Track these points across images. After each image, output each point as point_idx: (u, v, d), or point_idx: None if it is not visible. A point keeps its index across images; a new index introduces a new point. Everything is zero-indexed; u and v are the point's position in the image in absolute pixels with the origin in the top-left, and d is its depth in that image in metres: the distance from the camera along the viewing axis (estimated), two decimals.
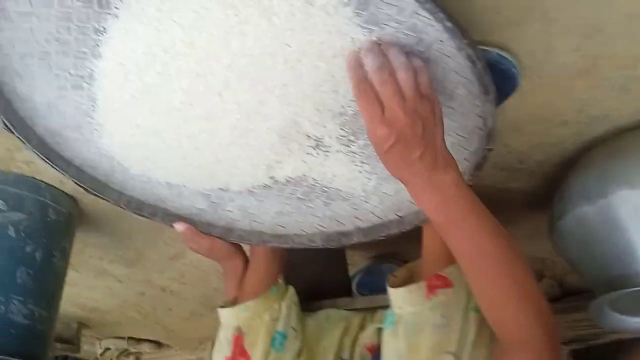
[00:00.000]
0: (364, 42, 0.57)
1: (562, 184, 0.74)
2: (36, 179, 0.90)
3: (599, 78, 0.63)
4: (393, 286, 0.72)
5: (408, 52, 0.55)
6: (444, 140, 0.56)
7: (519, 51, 0.60)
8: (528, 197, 0.88)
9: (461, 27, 0.49)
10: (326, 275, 1.05)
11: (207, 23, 0.57)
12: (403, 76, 0.52)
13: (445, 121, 0.63)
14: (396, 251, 1.12)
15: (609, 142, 0.71)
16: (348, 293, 1.08)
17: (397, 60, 0.54)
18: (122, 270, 1.23)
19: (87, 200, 0.96)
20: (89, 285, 1.13)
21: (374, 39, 0.57)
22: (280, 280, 0.87)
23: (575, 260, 0.73)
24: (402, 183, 0.57)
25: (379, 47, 0.55)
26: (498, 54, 0.59)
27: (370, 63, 0.54)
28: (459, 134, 0.64)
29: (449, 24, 0.48)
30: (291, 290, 0.87)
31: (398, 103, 0.52)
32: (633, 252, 0.65)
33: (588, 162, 0.72)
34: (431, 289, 0.69)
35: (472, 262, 0.55)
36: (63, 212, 0.91)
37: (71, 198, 0.94)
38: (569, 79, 0.64)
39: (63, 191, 0.92)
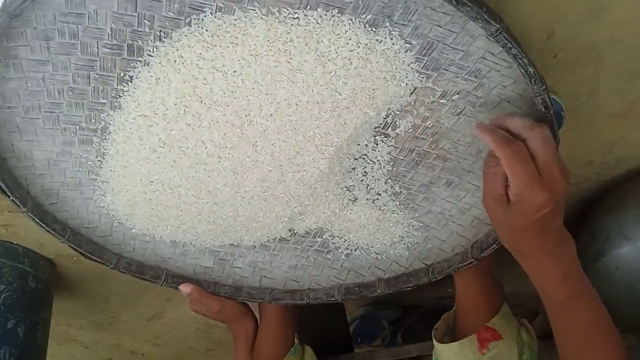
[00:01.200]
0: (420, 88, 0.55)
1: (593, 224, 0.75)
2: (13, 243, 0.79)
3: (634, 120, 0.64)
4: (439, 341, 0.69)
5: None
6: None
7: (563, 93, 0.60)
8: None
9: (540, 73, 0.47)
10: (327, 328, 1.00)
11: (254, 71, 0.53)
12: (548, 132, 0.48)
13: None
14: (393, 296, 1.08)
15: (636, 181, 0.73)
16: (349, 345, 1.03)
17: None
18: (91, 336, 1.11)
19: (67, 263, 0.86)
20: (49, 355, 1.00)
21: (430, 85, 0.55)
22: (296, 341, 0.81)
23: (613, 302, 0.73)
24: (522, 256, 0.53)
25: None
26: (551, 97, 0.59)
27: (521, 120, 0.49)
28: None
29: (531, 70, 0.47)
30: (309, 351, 0.81)
31: (558, 163, 0.47)
32: None
33: (620, 201, 0.73)
34: (483, 342, 0.66)
35: (589, 339, 0.51)
36: (42, 278, 0.80)
37: (49, 262, 0.84)
38: (603, 121, 0.65)
39: (42, 255, 0.82)
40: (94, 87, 0.55)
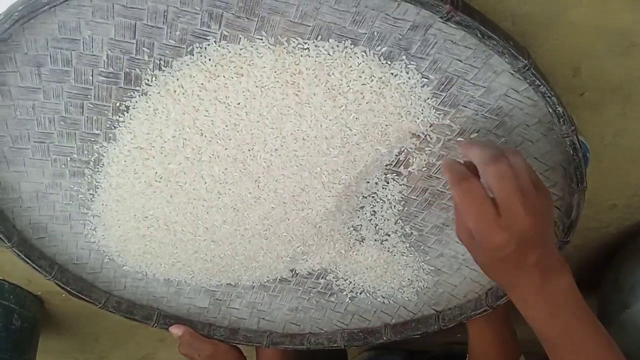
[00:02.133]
0: (436, 125, 0.51)
1: (618, 273, 0.71)
2: None
3: None
4: None
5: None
6: (554, 242, 0.48)
7: (588, 134, 0.57)
8: None
9: (569, 113, 0.44)
10: None
11: (259, 103, 0.49)
12: (520, 163, 0.43)
13: None
14: (399, 341, 1.03)
15: None
16: None
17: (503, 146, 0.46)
18: None
19: (56, 300, 0.81)
20: None
21: (447, 122, 0.51)
22: None
23: (638, 358, 0.68)
24: (506, 290, 0.49)
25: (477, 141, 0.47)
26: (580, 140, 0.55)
27: (479, 153, 0.44)
28: None
29: (560, 109, 0.43)
30: None
31: (519, 200, 0.42)
32: None
33: None
34: None
35: None
36: (28, 316, 0.75)
37: (37, 299, 0.79)
38: (629, 163, 0.62)
39: (29, 291, 0.77)
40: (87, 116, 0.51)
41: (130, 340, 0.95)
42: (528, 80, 0.43)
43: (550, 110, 0.44)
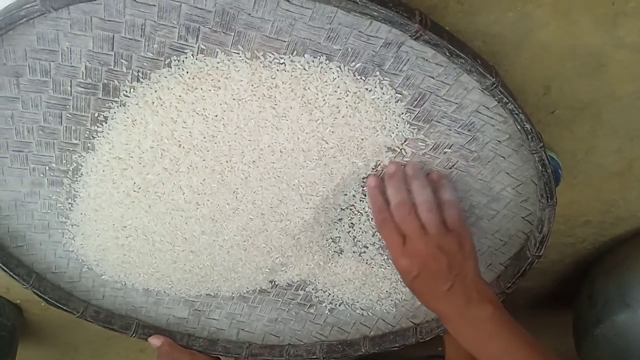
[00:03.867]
0: (411, 140, 0.52)
1: (592, 288, 0.71)
2: None
3: (633, 179, 0.62)
4: None
5: (441, 176, 0.54)
6: (478, 273, 0.52)
7: (560, 150, 0.58)
8: (532, 296, 0.85)
9: (537, 129, 0.45)
10: None
11: (237, 115, 0.50)
12: (426, 215, 0.51)
13: (484, 223, 0.59)
14: (378, 354, 1.03)
15: (635, 243, 0.70)
16: None
17: (421, 197, 0.52)
18: None
19: (35, 309, 0.81)
20: None
21: (421, 136, 0.52)
22: None
23: None
24: (440, 318, 0.54)
25: (399, 176, 0.53)
26: (548, 154, 0.56)
27: (391, 196, 0.53)
28: (498, 237, 0.60)
29: (527, 126, 0.44)
30: None
31: (420, 237, 0.50)
32: None
33: (619, 264, 0.69)
34: None
35: None
36: (7, 325, 0.75)
37: (16, 307, 0.79)
38: (601, 180, 0.63)
39: (7, 300, 0.77)
40: (66, 126, 0.51)
41: (110, 350, 0.95)
42: (496, 98, 0.44)
43: (519, 127, 0.45)
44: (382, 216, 0.53)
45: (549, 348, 0.51)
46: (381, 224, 0.53)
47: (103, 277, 0.67)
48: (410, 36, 0.40)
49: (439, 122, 0.51)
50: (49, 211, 0.59)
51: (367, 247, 0.64)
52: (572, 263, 0.77)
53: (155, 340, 0.71)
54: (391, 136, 0.52)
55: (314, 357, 0.74)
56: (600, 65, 0.51)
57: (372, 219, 0.60)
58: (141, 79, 0.48)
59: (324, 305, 0.71)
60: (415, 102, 0.49)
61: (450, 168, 0.55)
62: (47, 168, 0.55)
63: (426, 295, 0.52)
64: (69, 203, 0.59)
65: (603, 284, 0.70)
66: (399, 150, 0.53)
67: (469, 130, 0.51)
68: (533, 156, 0.47)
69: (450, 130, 0.51)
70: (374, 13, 0.39)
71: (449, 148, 0.53)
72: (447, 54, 0.41)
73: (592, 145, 0.58)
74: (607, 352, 0.68)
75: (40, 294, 0.65)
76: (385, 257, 0.64)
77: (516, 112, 0.44)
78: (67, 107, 0.50)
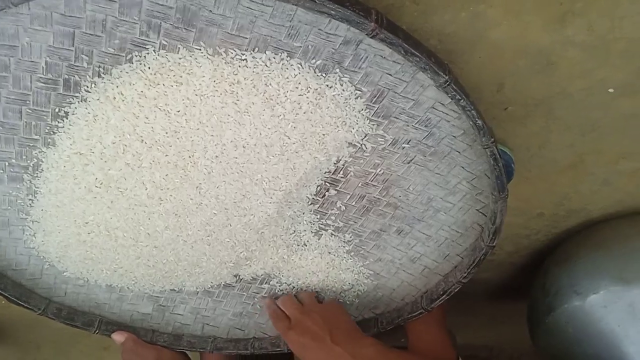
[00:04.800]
0: (370, 135, 0.54)
1: (545, 278, 0.74)
2: None
3: (584, 173, 0.65)
4: None
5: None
6: (354, 324, 0.66)
7: (514, 145, 0.60)
8: (489, 287, 0.88)
9: (489, 125, 0.47)
10: None
11: (199, 111, 0.50)
12: (301, 295, 0.69)
13: (442, 216, 0.61)
14: None
15: (586, 234, 0.73)
16: None
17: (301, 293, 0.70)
18: None
19: None
20: None
21: (380, 132, 0.54)
22: None
23: (562, 358, 0.72)
24: None
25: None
26: (500, 149, 0.58)
27: (280, 301, 0.69)
28: (455, 229, 0.62)
29: (479, 122, 0.46)
30: None
31: (296, 309, 0.66)
32: (627, 349, 0.65)
33: (570, 255, 0.72)
34: None
35: None
36: None
37: None
38: (554, 174, 0.65)
39: None
40: (26, 122, 0.51)
41: (73, 348, 0.94)
42: (450, 95, 0.46)
43: (472, 123, 0.47)
44: (271, 310, 0.69)
45: None
46: (271, 315, 0.68)
47: (65, 274, 0.66)
48: (367, 34, 0.42)
49: (397, 118, 0.52)
50: (9, 208, 0.58)
51: (330, 241, 0.65)
52: (528, 255, 0.79)
53: (118, 337, 0.71)
54: (352, 132, 0.53)
55: (279, 349, 0.75)
56: (551, 63, 0.53)
57: (336, 213, 0.62)
58: (102, 75, 0.48)
59: None
60: (374, 99, 0.51)
61: (409, 163, 0.56)
62: (7, 164, 0.54)
63: (318, 352, 0.61)
64: (30, 199, 0.58)
65: (555, 274, 0.73)
66: (359, 145, 0.55)
67: (425, 126, 0.52)
68: (485, 151, 0.49)
69: (408, 126, 0.53)
70: (332, 12, 0.40)
71: (407, 143, 0.54)
72: (403, 52, 0.42)
73: (545, 140, 0.61)
74: (559, 339, 0.71)
75: (0, 291, 0.64)
76: (347, 249, 0.66)
77: (469, 108, 0.46)
78: (27, 102, 0.49)
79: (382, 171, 0.57)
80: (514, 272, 0.84)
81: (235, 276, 0.69)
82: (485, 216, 0.58)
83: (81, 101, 0.50)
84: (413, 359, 0.64)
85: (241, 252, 0.65)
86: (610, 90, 0.55)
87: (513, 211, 0.71)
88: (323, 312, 0.64)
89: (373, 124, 0.53)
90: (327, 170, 0.57)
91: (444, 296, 0.65)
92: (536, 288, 0.76)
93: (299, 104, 0.51)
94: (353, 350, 0.59)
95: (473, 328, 0.97)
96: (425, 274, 0.68)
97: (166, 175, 0.55)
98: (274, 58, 0.48)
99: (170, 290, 0.70)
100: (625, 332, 0.65)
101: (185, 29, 0.45)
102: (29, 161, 0.54)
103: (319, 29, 0.45)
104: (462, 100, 0.45)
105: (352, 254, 0.67)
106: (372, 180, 0.59)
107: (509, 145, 0.61)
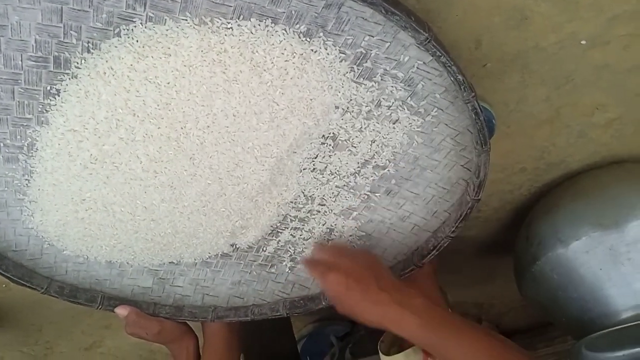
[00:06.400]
0: (358, 98, 0.55)
1: (528, 230, 0.77)
2: None
3: (561, 126, 0.67)
4: (386, 353, 0.69)
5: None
6: (393, 276, 0.62)
7: (494, 101, 0.63)
8: (477, 244, 0.90)
9: (469, 81, 0.49)
10: (274, 347, 0.98)
11: (188, 82, 0.52)
12: (337, 242, 0.67)
13: (428, 174, 0.63)
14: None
15: (566, 186, 0.76)
16: None
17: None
18: None
19: None
20: None
21: (365, 94, 0.55)
22: None
23: (549, 304, 0.75)
24: (382, 323, 0.58)
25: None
26: (481, 105, 0.61)
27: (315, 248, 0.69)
28: (441, 186, 0.64)
29: (460, 77, 0.48)
30: None
31: (336, 252, 0.62)
32: (609, 291, 0.68)
33: (552, 206, 0.75)
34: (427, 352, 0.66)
35: None
36: None
37: None
38: (533, 128, 0.68)
39: None
40: (18, 101, 0.52)
41: (75, 329, 0.95)
42: (430, 52, 0.48)
43: (452, 79, 0.49)
44: (325, 273, 0.62)
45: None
46: (310, 267, 0.64)
47: (65, 252, 0.67)
48: None
49: (382, 80, 0.54)
50: (6, 189, 0.59)
51: (324, 202, 0.67)
52: (512, 210, 0.82)
53: (122, 310, 0.72)
54: (338, 95, 0.55)
55: (278, 314, 0.77)
56: (524, 18, 0.55)
57: (327, 178, 0.64)
58: (91, 50, 0.49)
59: (284, 264, 0.74)
60: (358, 61, 0.52)
61: (394, 123, 0.58)
62: (2, 145, 0.55)
63: (363, 301, 0.58)
64: (26, 179, 0.59)
65: (538, 226, 0.76)
66: (345, 108, 0.57)
67: (409, 86, 0.54)
68: (467, 106, 0.51)
69: (392, 86, 0.55)
70: None
71: (392, 103, 0.56)
72: (383, 11, 0.44)
73: (523, 95, 0.63)
74: (545, 287, 0.75)
75: (2, 272, 0.65)
76: (341, 209, 0.68)
77: (449, 64, 0.48)
78: (19, 81, 0.50)
79: (369, 133, 0.59)
80: (500, 228, 0.87)
81: (232, 245, 0.71)
82: (470, 171, 0.61)
83: (72, 78, 0.51)
84: (457, 318, 0.59)
85: (237, 221, 0.67)
86: (583, 42, 0.57)
87: (496, 167, 0.73)
88: (366, 257, 0.62)
89: (358, 87, 0.55)
90: (316, 136, 0.59)
91: (434, 251, 0.68)
92: (520, 240, 0.79)
93: (285, 69, 0.52)
94: (401, 299, 0.57)
95: (463, 285, 1.01)
96: (415, 232, 0.70)
97: (160, 147, 0.57)
98: (259, 25, 0.49)
99: (169, 262, 0.72)
100: (607, 275, 0.69)
101: (171, 0, 0.46)
102: (23, 141, 0.55)
103: None
104: (442, 57, 0.47)
105: (343, 217, 0.69)
106: (359, 143, 0.60)
107: (489, 102, 0.63)
